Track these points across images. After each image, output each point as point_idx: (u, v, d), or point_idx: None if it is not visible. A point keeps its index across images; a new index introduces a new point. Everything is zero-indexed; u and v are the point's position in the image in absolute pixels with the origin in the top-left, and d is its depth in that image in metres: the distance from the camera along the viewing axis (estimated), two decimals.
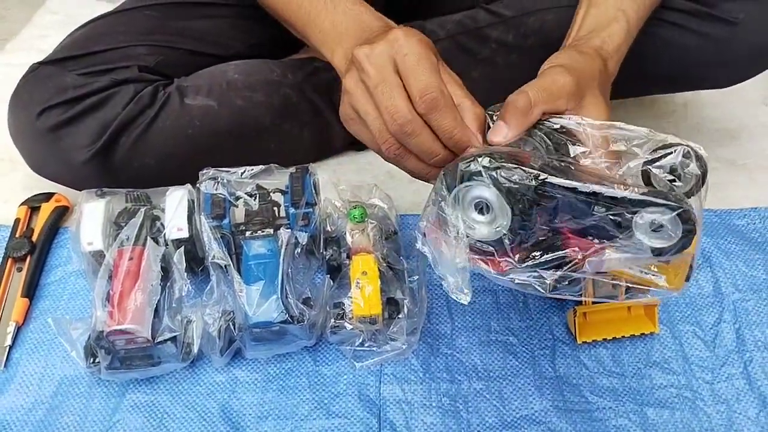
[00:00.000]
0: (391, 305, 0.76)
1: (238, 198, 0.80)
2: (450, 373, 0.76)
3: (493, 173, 0.54)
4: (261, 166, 0.81)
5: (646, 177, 0.58)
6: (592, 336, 0.76)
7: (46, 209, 0.90)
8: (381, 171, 0.96)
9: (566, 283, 0.56)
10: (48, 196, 0.92)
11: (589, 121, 0.61)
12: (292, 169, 0.82)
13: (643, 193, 0.53)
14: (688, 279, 0.59)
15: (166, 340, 0.73)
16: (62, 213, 0.91)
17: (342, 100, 0.63)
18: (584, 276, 0.56)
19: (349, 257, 0.79)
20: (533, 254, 0.55)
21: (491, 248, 0.56)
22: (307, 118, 0.93)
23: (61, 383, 0.76)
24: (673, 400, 0.73)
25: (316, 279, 0.83)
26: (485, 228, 0.56)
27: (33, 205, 0.91)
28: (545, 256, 0.55)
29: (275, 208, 0.80)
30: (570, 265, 0.55)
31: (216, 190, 0.79)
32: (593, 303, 0.76)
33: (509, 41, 0.92)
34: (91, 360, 0.73)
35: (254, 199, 0.80)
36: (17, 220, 0.90)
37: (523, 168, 0.54)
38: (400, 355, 0.76)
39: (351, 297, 0.74)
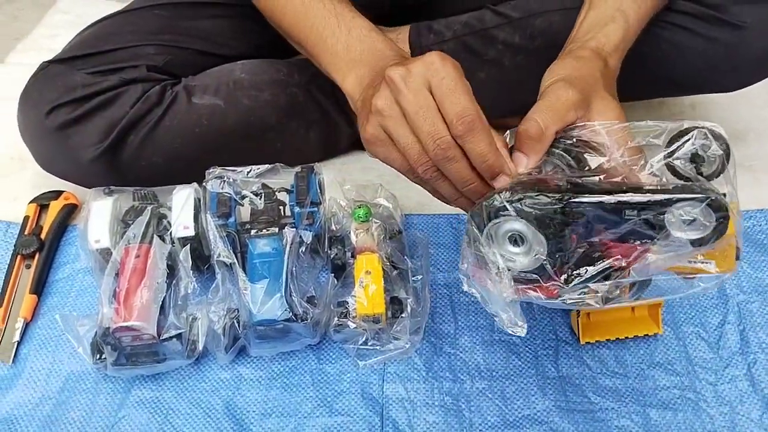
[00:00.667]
0: (395, 304, 0.76)
1: (243, 197, 0.80)
2: (453, 373, 0.76)
3: (518, 205, 0.54)
4: (267, 166, 0.82)
5: (672, 171, 0.58)
6: (595, 336, 0.76)
7: (55, 207, 0.91)
8: (386, 171, 0.94)
9: (617, 292, 0.56)
10: (57, 194, 0.93)
11: (604, 124, 0.60)
12: (298, 169, 0.83)
13: (667, 191, 0.53)
14: (738, 258, 0.58)
15: (171, 337, 0.74)
16: (71, 211, 0.92)
17: (368, 121, 0.61)
18: (634, 280, 0.57)
19: (353, 256, 0.80)
20: (577, 272, 0.56)
21: (535, 276, 0.57)
22: (314, 118, 0.93)
23: (68, 379, 0.77)
24: (676, 402, 0.73)
25: (320, 278, 0.83)
26: (524, 258, 0.56)
27: (42, 202, 0.92)
28: (590, 270, 0.55)
29: (281, 207, 0.81)
30: (617, 273, 0.55)
31: (222, 188, 0.80)
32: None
33: (516, 42, 0.92)
34: (98, 356, 0.74)
35: (260, 198, 0.80)
36: (26, 218, 0.91)
37: (546, 194, 0.54)
38: (403, 354, 0.76)
39: (355, 296, 0.75)
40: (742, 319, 0.79)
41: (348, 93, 0.69)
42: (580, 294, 0.56)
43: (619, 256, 0.55)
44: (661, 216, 0.54)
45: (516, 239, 0.56)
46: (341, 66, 0.70)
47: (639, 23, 0.73)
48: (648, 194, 0.54)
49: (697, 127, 0.58)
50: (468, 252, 0.58)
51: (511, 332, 0.58)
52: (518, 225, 0.55)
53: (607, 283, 0.55)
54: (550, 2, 0.92)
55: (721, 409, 0.72)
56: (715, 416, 0.72)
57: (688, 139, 0.57)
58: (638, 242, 0.55)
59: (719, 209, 0.53)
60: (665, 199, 0.53)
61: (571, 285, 0.56)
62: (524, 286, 0.57)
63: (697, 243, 0.54)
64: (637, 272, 0.56)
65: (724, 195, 0.56)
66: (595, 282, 0.55)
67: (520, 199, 0.54)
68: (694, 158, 0.58)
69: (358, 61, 0.69)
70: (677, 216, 0.53)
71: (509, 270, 0.56)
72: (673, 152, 0.58)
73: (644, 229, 0.54)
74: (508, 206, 0.54)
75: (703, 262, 0.58)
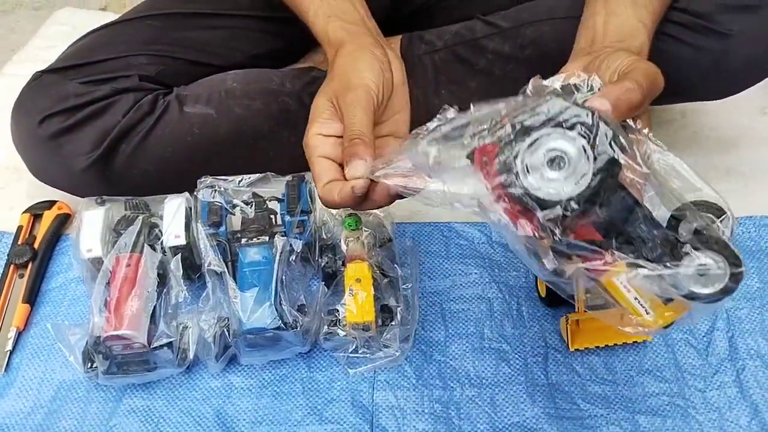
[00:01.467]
0: (385, 312, 0.76)
1: (234, 206, 0.81)
2: (443, 380, 0.76)
3: (596, 118, 0.49)
4: (258, 175, 0.83)
5: (675, 221, 0.54)
6: (584, 343, 0.77)
7: (48, 217, 0.92)
8: None
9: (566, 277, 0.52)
10: (50, 204, 0.93)
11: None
12: (288, 178, 0.83)
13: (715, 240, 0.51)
14: (666, 327, 0.55)
15: (162, 346, 0.74)
16: (64, 220, 0.92)
17: None
18: (592, 279, 0.52)
19: (344, 264, 0.80)
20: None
21: (530, 205, 0.50)
22: (305, 127, 0.94)
23: (59, 388, 0.77)
24: (665, 408, 0.73)
25: (311, 286, 0.83)
26: (565, 184, 0.49)
27: (36, 212, 0.92)
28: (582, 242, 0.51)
29: (271, 216, 0.81)
30: (600, 262, 0.51)
31: (213, 198, 0.80)
32: (586, 310, 0.77)
33: (506, 52, 0.93)
34: (89, 365, 0.74)
35: (250, 207, 0.81)
36: (20, 228, 0.91)
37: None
38: (393, 361, 0.77)
39: (345, 304, 0.75)
40: (730, 326, 0.79)
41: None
42: (545, 251, 0.51)
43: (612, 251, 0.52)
44: (689, 249, 0.50)
45: (553, 161, 0.49)
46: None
47: (652, 37, 0.73)
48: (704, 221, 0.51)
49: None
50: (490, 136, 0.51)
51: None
52: (573, 150, 0.48)
53: (580, 264, 0.51)
54: (540, 12, 0.93)
55: (710, 415, 0.73)
56: (704, 423, 0.72)
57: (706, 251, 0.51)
58: (627, 251, 0.52)
59: (734, 283, 0.50)
60: (707, 238, 0.50)
61: (560, 241, 0.50)
62: (506, 203, 0.51)
63: (691, 294, 0.51)
64: (623, 279, 0.52)
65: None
66: (574, 253, 0.51)
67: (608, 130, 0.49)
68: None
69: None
70: (700, 259, 0.50)
71: (516, 179, 0.49)
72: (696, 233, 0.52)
73: (661, 246, 0.51)
74: (597, 126, 0.48)
75: (645, 307, 0.54)
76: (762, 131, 1.06)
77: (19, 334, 0.82)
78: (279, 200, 0.82)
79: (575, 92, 0.58)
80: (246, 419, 0.74)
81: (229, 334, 0.74)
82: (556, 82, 0.59)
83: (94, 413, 0.75)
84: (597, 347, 0.77)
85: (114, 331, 0.72)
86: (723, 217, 0.55)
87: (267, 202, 0.82)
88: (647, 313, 0.54)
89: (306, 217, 0.80)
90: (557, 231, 0.50)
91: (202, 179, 0.81)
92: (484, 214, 0.52)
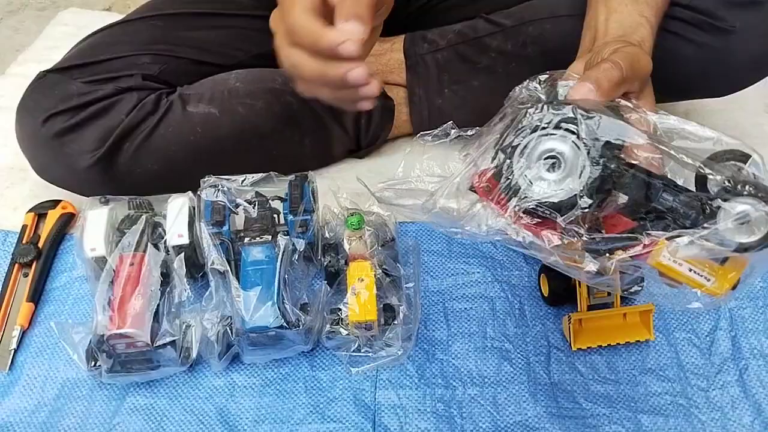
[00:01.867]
0: (387, 311, 0.77)
1: (237, 205, 0.81)
2: (445, 379, 0.76)
3: (590, 123, 0.49)
4: (261, 174, 0.82)
5: (701, 180, 0.52)
6: (587, 343, 0.77)
7: (53, 216, 0.92)
8: (381, 179, 0.97)
9: (611, 268, 0.51)
10: (55, 204, 0.93)
11: (675, 119, 0.56)
12: (291, 177, 0.83)
13: (741, 181, 0.49)
14: (734, 288, 0.53)
15: (165, 345, 0.74)
16: (68, 220, 0.93)
17: None
18: (639, 267, 0.51)
19: (347, 263, 0.80)
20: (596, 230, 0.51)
21: (548, 213, 0.50)
22: (308, 126, 0.94)
23: (63, 386, 0.77)
24: (667, 408, 0.73)
25: (314, 285, 0.83)
26: (552, 186, 0.50)
27: (40, 212, 0.93)
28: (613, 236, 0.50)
29: (274, 216, 0.82)
30: (639, 247, 0.50)
31: (216, 197, 0.80)
32: (588, 309, 0.77)
33: (508, 50, 0.93)
34: (93, 363, 0.74)
35: (253, 207, 0.81)
36: (24, 227, 0.91)
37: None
38: (395, 360, 0.77)
39: (347, 303, 0.75)
40: (733, 325, 0.79)
41: None
42: (580, 255, 0.50)
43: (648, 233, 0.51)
44: (720, 202, 0.49)
45: (552, 164, 0.50)
46: None
47: (656, 33, 0.73)
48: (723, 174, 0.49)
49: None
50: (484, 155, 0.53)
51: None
52: (565, 147, 0.49)
53: (620, 255, 0.50)
54: (541, 11, 0.93)
55: (713, 415, 0.73)
56: (707, 422, 0.72)
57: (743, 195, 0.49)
58: (656, 225, 0.51)
59: None
60: (735, 186, 0.49)
61: (591, 238, 0.50)
62: (530, 222, 0.51)
63: (741, 247, 0.49)
64: (667, 254, 0.50)
65: None
66: (608, 248, 0.50)
67: (591, 117, 0.49)
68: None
69: None
70: (737, 209, 0.49)
71: (526, 197, 0.50)
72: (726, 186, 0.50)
73: (692, 210, 0.50)
74: (579, 117, 0.49)
75: (704, 276, 0.52)
76: (765, 129, 1.06)
77: (23, 333, 0.82)
78: (282, 199, 0.82)
79: (556, 88, 0.58)
80: (249, 418, 0.74)
81: (232, 333, 0.74)
82: (562, 88, 0.59)
83: (97, 411, 0.75)
84: (599, 346, 0.77)
85: (117, 329, 0.72)
86: (750, 161, 0.52)
87: (270, 201, 0.82)
88: (708, 281, 0.52)
89: (309, 217, 0.80)
90: (583, 230, 0.50)
91: (206, 178, 0.81)
92: (509, 240, 0.52)
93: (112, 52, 0.89)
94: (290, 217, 0.80)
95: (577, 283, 0.76)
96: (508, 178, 0.51)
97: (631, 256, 0.51)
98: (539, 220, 0.51)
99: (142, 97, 0.87)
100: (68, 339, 0.75)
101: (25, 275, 0.87)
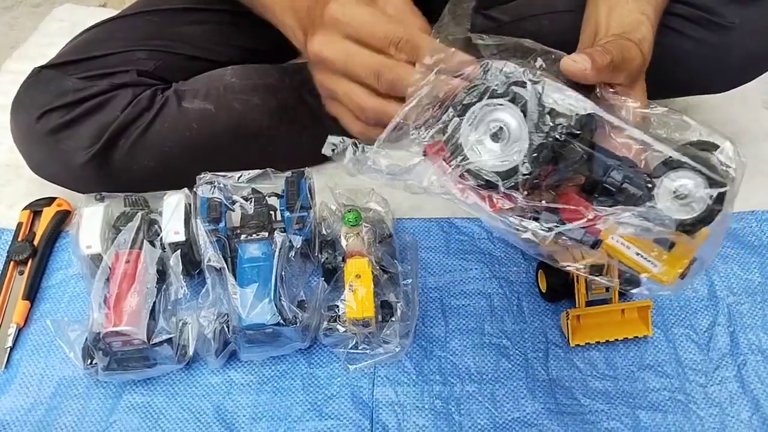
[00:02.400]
0: (385, 308, 0.76)
1: (234, 202, 0.81)
2: (443, 376, 0.76)
3: (538, 87, 0.49)
4: (257, 171, 0.82)
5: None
6: (585, 339, 0.77)
7: (48, 213, 0.92)
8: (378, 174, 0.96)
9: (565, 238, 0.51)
10: (50, 201, 0.93)
11: (660, 109, 0.56)
12: (288, 174, 0.83)
13: (686, 155, 0.50)
14: (683, 277, 0.54)
15: (161, 342, 0.74)
16: (63, 217, 0.92)
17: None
18: (580, 242, 0.51)
19: (344, 260, 0.80)
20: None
21: (493, 181, 0.51)
22: (305, 122, 0.94)
23: (60, 384, 0.77)
24: (666, 403, 0.73)
25: (311, 282, 0.83)
26: (495, 157, 0.51)
27: (35, 209, 0.92)
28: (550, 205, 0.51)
29: (271, 212, 0.81)
30: (582, 222, 0.51)
31: (213, 194, 0.80)
32: (586, 306, 0.77)
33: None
34: (89, 361, 0.74)
35: (250, 203, 0.80)
36: (20, 224, 0.91)
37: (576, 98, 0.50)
38: (393, 357, 0.76)
39: (344, 300, 0.75)
40: (732, 321, 0.79)
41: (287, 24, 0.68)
42: (527, 221, 0.51)
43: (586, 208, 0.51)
44: (657, 178, 0.50)
45: (496, 133, 0.50)
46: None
47: (656, 29, 0.72)
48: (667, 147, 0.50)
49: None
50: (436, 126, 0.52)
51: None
52: (510, 117, 0.50)
53: (559, 227, 0.51)
54: (539, 6, 0.92)
55: (711, 410, 0.73)
56: (705, 418, 0.72)
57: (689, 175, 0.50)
58: (606, 202, 0.51)
59: (719, 197, 0.49)
60: (676, 160, 0.49)
61: (528, 203, 0.50)
62: (470, 184, 0.52)
63: (680, 224, 0.50)
64: (603, 226, 0.51)
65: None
66: (549, 218, 0.51)
67: (538, 82, 0.49)
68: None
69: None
70: (672, 185, 0.49)
71: (471, 164, 0.51)
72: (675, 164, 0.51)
73: (636, 189, 0.50)
74: (527, 82, 0.49)
75: (651, 261, 0.53)
76: (764, 125, 1.06)
77: (19, 331, 0.82)
78: (278, 196, 0.82)
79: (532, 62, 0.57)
80: (246, 415, 0.74)
81: (228, 330, 0.74)
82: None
83: (94, 409, 0.75)
84: (597, 342, 0.77)
85: (114, 327, 0.72)
86: (719, 149, 0.53)
87: (266, 198, 0.82)
88: (655, 267, 0.52)
89: (305, 213, 0.80)
90: (521, 196, 0.50)
91: (202, 175, 0.81)
92: (456, 200, 0.52)
93: (107, 48, 0.89)
94: (287, 213, 0.80)
95: (575, 279, 0.76)
96: (454, 136, 0.51)
97: (582, 227, 0.51)
98: (483, 182, 0.51)
99: (138, 93, 0.86)
100: (64, 337, 0.75)
101: (21, 273, 0.86)
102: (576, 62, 0.55)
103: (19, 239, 0.89)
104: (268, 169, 0.83)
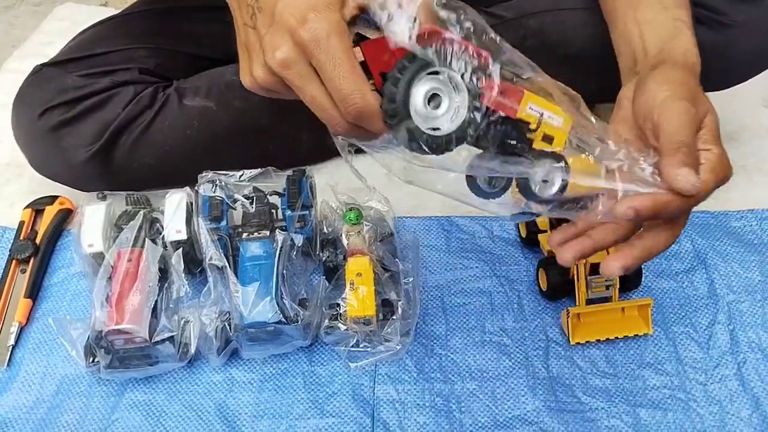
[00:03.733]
0: (386, 306, 0.77)
1: (235, 200, 0.81)
2: (443, 374, 0.76)
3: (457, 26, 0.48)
4: (258, 170, 0.82)
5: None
6: (585, 337, 0.77)
7: (50, 212, 0.92)
8: (379, 174, 0.96)
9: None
10: (52, 199, 0.93)
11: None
12: (289, 172, 0.83)
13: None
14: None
15: (163, 340, 0.74)
16: (66, 216, 0.93)
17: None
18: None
19: (345, 259, 0.80)
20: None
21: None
22: (305, 121, 0.93)
23: (62, 382, 0.77)
24: (666, 401, 0.73)
25: (312, 280, 0.83)
26: (447, 119, 0.49)
27: (37, 207, 0.93)
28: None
29: (272, 211, 0.81)
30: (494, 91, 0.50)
31: (214, 192, 0.80)
32: (587, 304, 0.77)
33: (508, 43, 0.93)
34: (91, 359, 0.74)
35: (251, 202, 0.81)
36: (22, 223, 0.91)
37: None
38: (394, 355, 0.77)
39: (345, 298, 0.75)
40: (732, 319, 0.79)
41: None
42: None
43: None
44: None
45: (432, 98, 0.49)
46: None
47: (693, 28, 0.69)
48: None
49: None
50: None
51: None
52: (435, 82, 0.48)
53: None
54: (542, 3, 0.92)
55: (711, 408, 0.73)
56: (705, 416, 0.72)
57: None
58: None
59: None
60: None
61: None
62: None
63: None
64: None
65: None
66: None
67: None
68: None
69: None
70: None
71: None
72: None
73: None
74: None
75: (551, 117, 0.52)
76: (764, 124, 1.06)
77: (22, 329, 0.82)
78: (280, 195, 0.82)
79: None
80: (247, 413, 0.74)
81: (230, 329, 0.74)
82: (608, 153, 0.56)
83: (96, 407, 0.75)
84: (598, 340, 0.77)
85: (116, 325, 0.72)
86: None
87: (268, 196, 0.82)
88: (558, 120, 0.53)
89: (307, 212, 0.80)
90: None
91: (203, 174, 0.81)
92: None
93: (108, 46, 0.89)
94: (288, 212, 0.80)
95: (575, 277, 0.77)
96: (393, 99, 0.48)
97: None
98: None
99: (139, 90, 0.86)
100: (66, 335, 0.75)
101: (23, 271, 0.87)
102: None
103: (21, 238, 0.89)
104: (269, 167, 0.83)
